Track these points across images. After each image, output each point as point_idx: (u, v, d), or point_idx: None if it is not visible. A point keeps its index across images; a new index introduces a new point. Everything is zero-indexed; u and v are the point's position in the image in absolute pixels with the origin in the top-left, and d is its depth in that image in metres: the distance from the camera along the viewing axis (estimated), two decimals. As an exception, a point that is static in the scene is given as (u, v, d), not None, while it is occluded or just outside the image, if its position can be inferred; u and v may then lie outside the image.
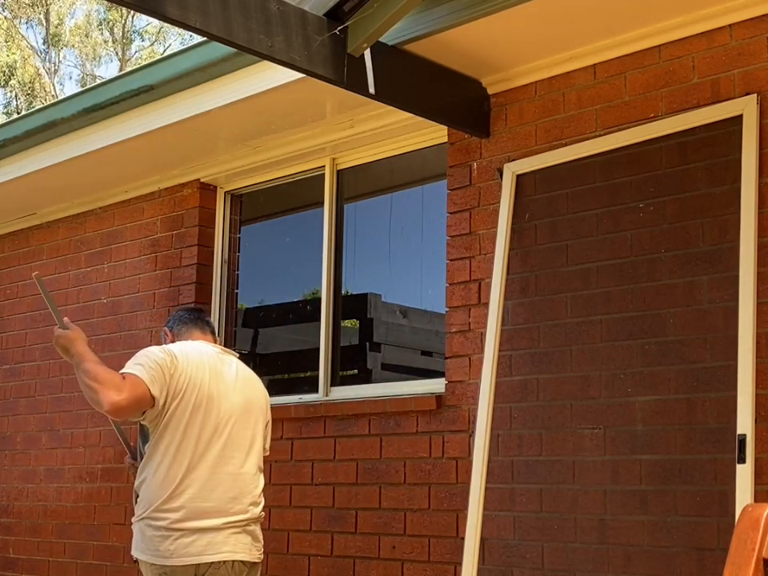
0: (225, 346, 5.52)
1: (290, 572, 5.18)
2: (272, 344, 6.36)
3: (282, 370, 6.19)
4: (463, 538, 4.26)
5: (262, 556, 3.56)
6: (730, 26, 3.98)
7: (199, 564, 3.35)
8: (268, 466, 5.33)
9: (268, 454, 3.76)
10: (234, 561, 3.41)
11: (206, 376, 3.51)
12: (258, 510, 3.55)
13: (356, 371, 5.70)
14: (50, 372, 6.77)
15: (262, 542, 3.58)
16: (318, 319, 5.46)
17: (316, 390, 5.40)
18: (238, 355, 3.84)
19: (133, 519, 3.51)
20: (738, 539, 1.72)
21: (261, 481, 3.61)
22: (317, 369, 5.44)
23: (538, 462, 4.29)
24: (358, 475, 4.95)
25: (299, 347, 6.09)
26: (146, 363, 3.39)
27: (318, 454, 5.15)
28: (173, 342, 3.73)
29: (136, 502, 3.52)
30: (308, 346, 5.69)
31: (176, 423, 3.43)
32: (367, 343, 5.67)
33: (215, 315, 5.97)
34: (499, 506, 4.35)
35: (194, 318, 3.80)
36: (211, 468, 3.44)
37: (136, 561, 3.51)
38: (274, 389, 6.06)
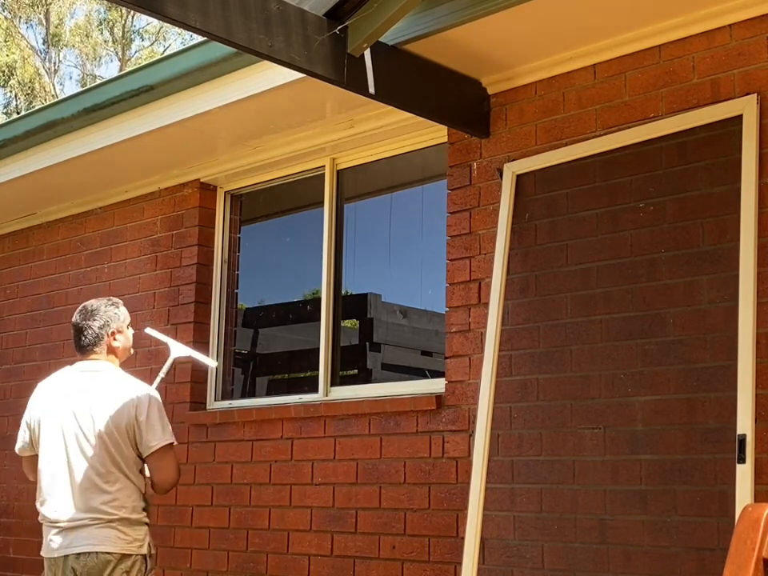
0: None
1: (290, 572, 5.18)
2: (272, 344, 6.36)
3: (282, 370, 6.19)
4: (463, 538, 4.26)
5: (130, 549, 3.78)
6: (730, 26, 3.98)
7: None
8: (268, 465, 5.35)
9: (154, 449, 3.79)
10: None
11: (48, 406, 3.92)
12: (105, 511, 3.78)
13: (356, 371, 5.70)
14: (50, 372, 6.73)
15: (131, 537, 3.79)
16: (318, 319, 5.46)
17: (316, 390, 5.39)
18: (104, 367, 3.93)
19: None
20: (738, 539, 1.73)
21: (116, 486, 3.78)
22: (317, 369, 5.44)
23: (538, 462, 4.29)
24: (358, 475, 4.95)
25: (299, 347, 6.09)
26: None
27: (318, 454, 5.15)
28: None
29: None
30: (308, 346, 5.69)
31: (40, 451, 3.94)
32: (367, 343, 5.67)
33: (215, 315, 5.96)
34: (499, 506, 4.35)
35: (73, 339, 4.05)
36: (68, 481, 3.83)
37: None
38: (274, 389, 6.07)
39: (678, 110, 4.08)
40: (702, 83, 4.04)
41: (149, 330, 4.94)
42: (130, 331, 4.05)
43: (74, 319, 3.99)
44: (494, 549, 4.35)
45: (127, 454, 3.78)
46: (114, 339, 3.95)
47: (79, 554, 3.72)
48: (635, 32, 4.18)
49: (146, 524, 3.84)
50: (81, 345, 3.96)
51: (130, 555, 3.74)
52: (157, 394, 3.92)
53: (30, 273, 7.14)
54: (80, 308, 4.01)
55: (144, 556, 3.79)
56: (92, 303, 4.00)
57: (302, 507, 5.18)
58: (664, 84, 4.15)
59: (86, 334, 3.93)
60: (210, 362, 5.35)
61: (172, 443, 3.83)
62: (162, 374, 4.43)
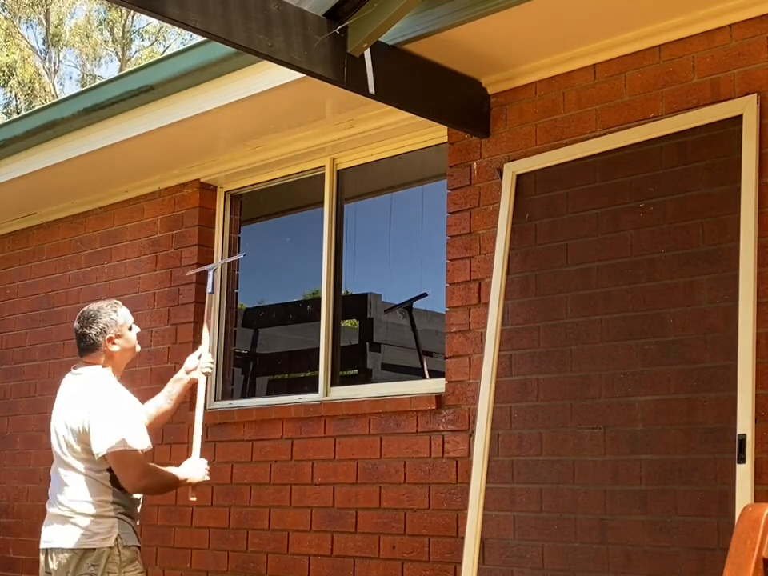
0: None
1: (290, 572, 5.18)
2: (272, 344, 6.36)
3: (282, 370, 6.19)
4: (463, 538, 4.26)
5: (92, 543, 3.81)
6: (730, 26, 3.98)
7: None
8: (268, 465, 5.35)
9: (101, 453, 3.74)
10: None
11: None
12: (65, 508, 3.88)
13: (356, 371, 5.70)
14: (50, 372, 6.76)
15: (91, 531, 3.82)
16: (318, 319, 5.46)
17: (316, 390, 5.39)
18: (83, 368, 3.97)
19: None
20: (738, 539, 1.73)
21: (71, 485, 3.85)
22: (317, 369, 5.43)
23: (537, 462, 4.29)
24: (358, 475, 4.95)
25: (299, 347, 6.09)
26: None
27: (318, 454, 5.15)
28: None
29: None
30: (308, 346, 5.68)
31: None
32: (367, 343, 5.67)
33: (215, 315, 5.96)
34: (499, 506, 4.35)
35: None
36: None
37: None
38: (274, 389, 6.07)
39: (678, 110, 4.08)
40: (701, 83, 4.04)
41: (190, 273, 5.45)
42: (133, 332, 4.04)
43: (74, 325, 4.02)
44: (494, 549, 4.35)
45: (83, 452, 3.82)
46: (113, 344, 3.94)
47: (53, 548, 3.86)
48: (635, 32, 4.17)
49: (116, 517, 3.82)
50: (79, 350, 4.01)
51: (94, 549, 3.78)
52: (122, 402, 3.86)
53: (30, 273, 7.13)
54: (79, 314, 4.02)
55: (113, 548, 3.80)
56: (90, 309, 4.00)
57: (302, 507, 5.18)
58: (664, 84, 4.15)
59: (84, 340, 3.96)
60: (238, 257, 5.83)
61: (124, 450, 3.74)
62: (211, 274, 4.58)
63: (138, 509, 3.96)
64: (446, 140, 4.86)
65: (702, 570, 3.76)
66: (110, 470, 3.81)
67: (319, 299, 5.50)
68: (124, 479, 3.80)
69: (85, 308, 4.04)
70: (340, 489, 5.02)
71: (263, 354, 6.30)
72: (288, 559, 5.20)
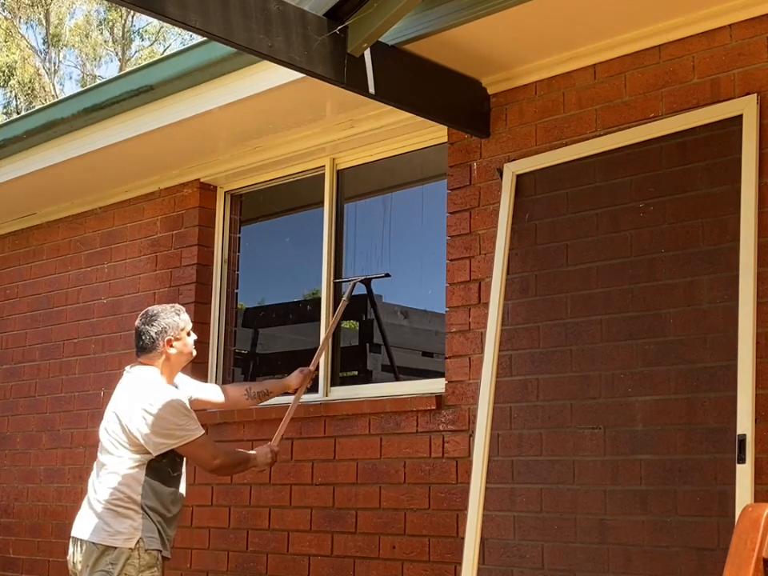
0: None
1: (290, 572, 5.18)
2: (272, 344, 6.36)
3: (281, 370, 6.18)
4: (463, 538, 4.26)
5: (113, 541, 3.85)
6: (729, 26, 3.98)
7: None
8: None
9: (169, 447, 3.88)
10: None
11: None
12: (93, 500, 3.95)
13: (356, 372, 5.69)
14: (50, 372, 6.76)
15: (114, 529, 3.86)
16: (318, 319, 5.46)
17: (316, 390, 5.39)
18: (136, 368, 4.04)
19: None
20: (738, 539, 1.73)
21: (104, 477, 3.92)
22: (317, 369, 5.43)
23: (538, 462, 4.29)
24: (358, 475, 4.95)
25: (299, 347, 6.09)
26: None
27: (318, 454, 5.15)
28: None
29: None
30: (308, 346, 5.68)
31: None
32: (367, 344, 5.67)
33: (215, 315, 5.96)
34: (499, 506, 4.35)
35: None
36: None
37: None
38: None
39: (678, 110, 4.08)
40: (702, 83, 4.04)
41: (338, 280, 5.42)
42: (191, 338, 4.10)
43: (135, 323, 4.09)
44: (494, 549, 4.35)
45: (122, 448, 3.89)
46: (170, 346, 4.01)
47: (79, 539, 3.93)
48: (635, 32, 4.18)
49: (142, 519, 3.84)
50: (137, 348, 4.06)
51: (115, 548, 3.81)
52: (170, 397, 3.94)
53: (30, 273, 7.14)
54: (142, 313, 4.10)
55: (134, 550, 3.81)
56: (153, 309, 4.09)
57: (302, 507, 5.18)
58: (664, 84, 4.15)
59: (142, 338, 4.02)
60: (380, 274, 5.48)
61: (191, 441, 3.89)
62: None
63: (173, 512, 3.96)
64: (446, 140, 4.86)
65: (702, 570, 3.76)
66: (150, 465, 3.86)
67: (319, 299, 5.50)
68: (200, 463, 4.02)
69: (148, 308, 4.12)
70: (340, 489, 5.02)
71: (263, 354, 6.30)
72: (288, 559, 5.20)
